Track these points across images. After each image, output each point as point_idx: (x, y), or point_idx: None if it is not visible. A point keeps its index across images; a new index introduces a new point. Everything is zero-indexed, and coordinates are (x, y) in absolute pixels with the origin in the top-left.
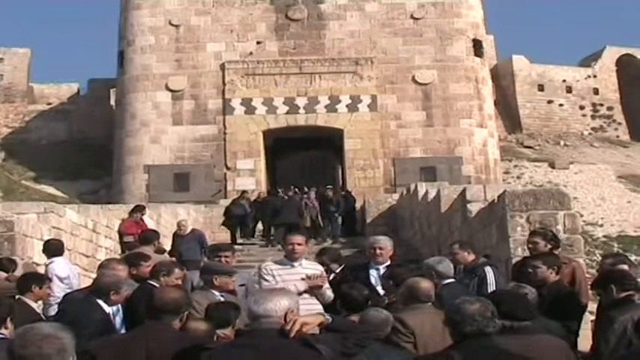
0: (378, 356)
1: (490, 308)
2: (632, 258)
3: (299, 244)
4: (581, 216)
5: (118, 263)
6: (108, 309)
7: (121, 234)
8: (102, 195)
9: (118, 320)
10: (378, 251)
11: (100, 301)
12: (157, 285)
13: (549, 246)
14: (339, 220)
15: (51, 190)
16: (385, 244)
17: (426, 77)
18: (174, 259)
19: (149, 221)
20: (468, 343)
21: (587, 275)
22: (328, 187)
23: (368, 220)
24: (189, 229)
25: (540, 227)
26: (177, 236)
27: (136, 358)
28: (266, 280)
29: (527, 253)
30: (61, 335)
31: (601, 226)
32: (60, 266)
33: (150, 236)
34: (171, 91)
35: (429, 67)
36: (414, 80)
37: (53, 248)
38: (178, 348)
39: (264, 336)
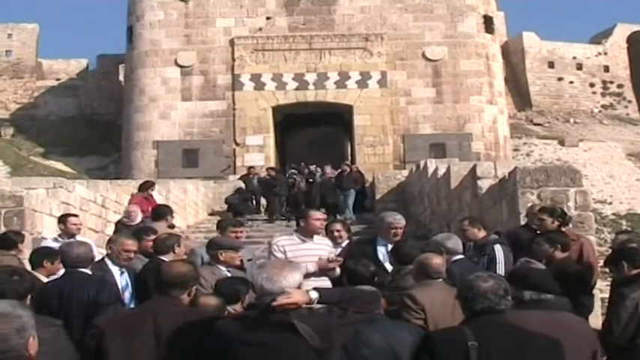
0: (389, 331)
1: (503, 286)
2: None
3: (317, 219)
4: (591, 194)
5: (127, 238)
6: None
7: None
8: (110, 171)
9: (127, 295)
10: (397, 231)
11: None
12: (167, 259)
13: (557, 223)
14: (351, 198)
15: (59, 165)
16: (403, 222)
17: (436, 53)
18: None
19: (158, 197)
20: (479, 319)
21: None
22: (346, 162)
23: (377, 197)
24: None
25: (549, 204)
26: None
27: (144, 333)
28: (275, 257)
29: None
30: (19, 313)
31: (610, 203)
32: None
33: (163, 211)
34: (180, 66)
35: (440, 43)
36: (424, 56)
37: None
38: (187, 322)
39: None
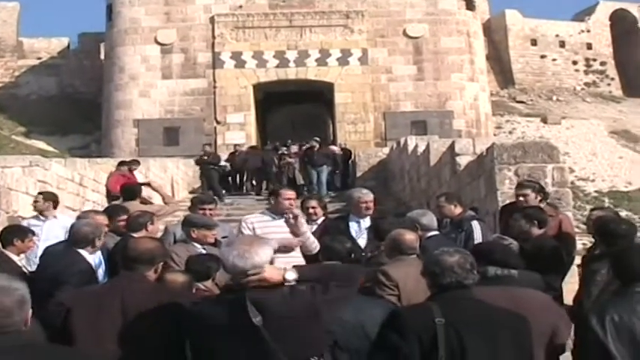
0: (360, 308)
1: (469, 260)
2: (623, 213)
3: (288, 198)
4: (573, 171)
5: (96, 214)
6: (90, 258)
7: (107, 187)
8: (92, 149)
9: (100, 272)
10: (368, 204)
11: (82, 251)
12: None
13: (539, 197)
14: (325, 174)
15: (41, 145)
16: (370, 197)
17: (417, 31)
18: None
19: (138, 175)
20: (446, 295)
21: (577, 230)
22: (315, 139)
23: (358, 174)
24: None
25: (527, 179)
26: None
27: (111, 309)
28: (243, 234)
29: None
30: (17, 286)
31: (592, 181)
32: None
33: (133, 190)
34: (160, 44)
35: (421, 20)
36: (405, 34)
37: (57, 200)
38: (154, 299)
39: (253, 291)
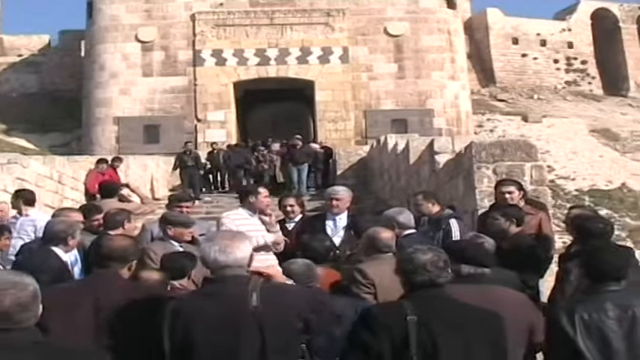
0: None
1: (443, 258)
2: (603, 212)
3: (266, 197)
4: (553, 170)
5: (71, 211)
6: (65, 256)
7: (86, 185)
8: (73, 147)
9: (77, 271)
10: (334, 202)
11: (56, 249)
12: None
13: (521, 195)
14: (305, 172)
15: (22, 142)
16: (343, 195)
17: (398, 29)
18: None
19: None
20: (419, 293)
21: (558, 228)
22: (297, 137)
23: (338, 172)
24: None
25: (506, 178)
26: None
27: (83, 307)
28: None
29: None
30: (29, 281)
31: (573, 179)
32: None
33: (111, 188)
34: (140, 42)
35: (401, 18)
36: (385, 32)
37: (30, 197)
38: (127, 297)
39: (234, 283)
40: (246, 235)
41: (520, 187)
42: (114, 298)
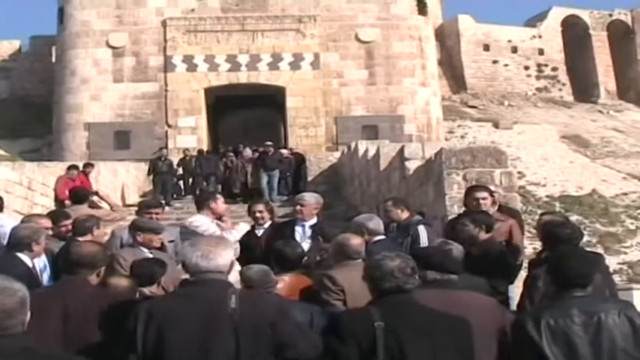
0: None
1: (410, 264)
2: (574, 218)
3: (223, 202)
4: (524, 176)
5: (40, 217)
6: (30, 262)
7: (56, 192)
8: (44, 153)
9: (45, 277)
10: (298, 208)
11: (21, 255)
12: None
13: (491, 201)
14: (275, 178)
15: None
16: (308, 200)
17: (369, 35)
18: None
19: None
20: (387, 299)
21: (528, 234)
22: (267, 143)
23: (309, 179)
24: None
25: (477, 184)
26: None
27: (52, 314)
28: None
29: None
30: (18, 287)
31: (544, 186)
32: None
33: (82, 194)
34: (111, 47)
35: (373, 25)
36: (357, 38)
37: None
38: (96, 303)
39: (213, 287)
40: (229, 243)
41: (491, 194)
42: (83, 304)
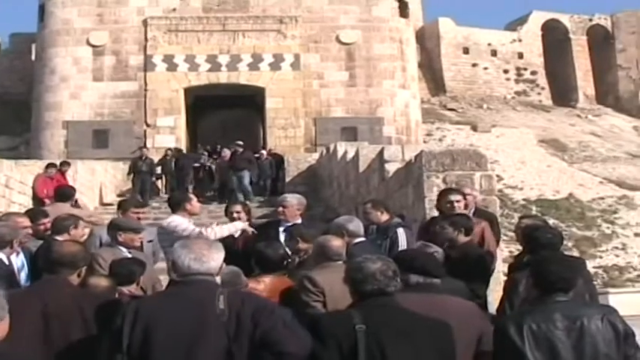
0: None
1: (392, 267)
2: (551, 221)
3: (197, 202)
4: (502, 179)
5: (18, 216)
6: (7, 260)
7: (34, 190)
8: (21, 151)
9: (23, 276)
10: (280, 209)
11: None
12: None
13: (464, 204)
14: (245, 178)
15: None
16: (290, 201)
17: (350, 37)
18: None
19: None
20: (368, 302)
21: (505, 237)
22: (238, 143)
23: (287, 180)
24: None
25: (453, 186)
26: None
27: (31, 313)
28: (182, 235)
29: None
30: None
31: (521, 189)
32: None
33: (66, 192)
34: (92, 46)
35: (354, 27)
36: (338, 40)
37: None
38: (76, 304)
39: (201, 287)
40: (220, 246)
41: (465, 197)
42: (63, 304)
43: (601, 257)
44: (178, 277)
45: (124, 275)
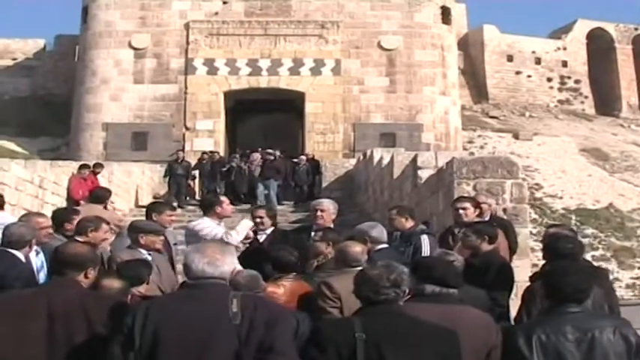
0: None
1: (392, 275)
2: (589, 231)
3: (229, 205)
4: (542, 188)
5: (39, 216)
6: (24, 259)
7: (69, 191)
8: (62, 152)
9: (42, 276)
10: (318, 213)
11: (17, 253)
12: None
13: (477, 212)
14: (272, 188)
15: (11, 146)
16: (327, 206)
17: (391, 43)
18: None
19: (101, 179)
20: (373, 310)
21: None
22: (268, 151)
23: (324, 185)
24: None
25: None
26: None
27: (36, 314)
28: (205, 238)
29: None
30: None
31: (560, 198)
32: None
33: (101, 194)
34: (133, 48)
35: (396, 32)
36: (379, 45)
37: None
38: (81, 304)
39: (214, 290)
40: (233, 250)
41: (477, 205)
42: (67, 305)
43: (639, 268)
44: (191, 280)
45: (134, 277)
